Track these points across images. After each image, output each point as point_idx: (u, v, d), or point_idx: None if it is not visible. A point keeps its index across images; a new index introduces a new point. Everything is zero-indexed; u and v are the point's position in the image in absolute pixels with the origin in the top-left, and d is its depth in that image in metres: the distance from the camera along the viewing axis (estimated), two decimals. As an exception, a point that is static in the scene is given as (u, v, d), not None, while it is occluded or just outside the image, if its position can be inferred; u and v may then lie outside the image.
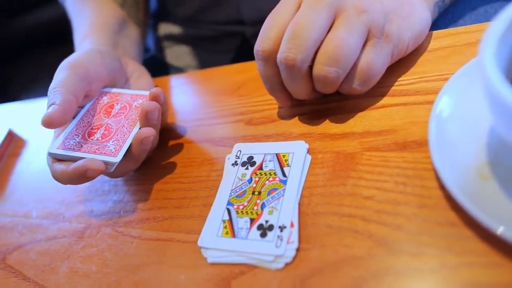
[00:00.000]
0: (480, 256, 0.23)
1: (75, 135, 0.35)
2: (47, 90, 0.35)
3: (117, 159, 0.33)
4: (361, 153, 0.30)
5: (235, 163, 0.34)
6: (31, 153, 0.51)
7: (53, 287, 0.34)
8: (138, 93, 0.39)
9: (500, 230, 0.21)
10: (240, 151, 0.34)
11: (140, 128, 0.34)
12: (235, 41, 0.57)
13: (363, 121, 0.32)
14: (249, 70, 0.42)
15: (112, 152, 0.33)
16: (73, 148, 0.34)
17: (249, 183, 0.32)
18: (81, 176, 0.32)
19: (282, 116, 0.36)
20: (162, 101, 0.36)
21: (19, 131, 0.54)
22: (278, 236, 0.28)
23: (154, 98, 0.36)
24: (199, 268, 0.29)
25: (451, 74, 0.29)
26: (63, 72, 0.35)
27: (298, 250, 0.27)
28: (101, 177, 0.41)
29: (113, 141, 0.34)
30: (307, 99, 0.34)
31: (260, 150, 0.34)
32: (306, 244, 0.27)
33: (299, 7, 0.30)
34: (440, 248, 0.24)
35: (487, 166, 0.24)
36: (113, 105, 0.38)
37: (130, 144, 0.34)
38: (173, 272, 0.30)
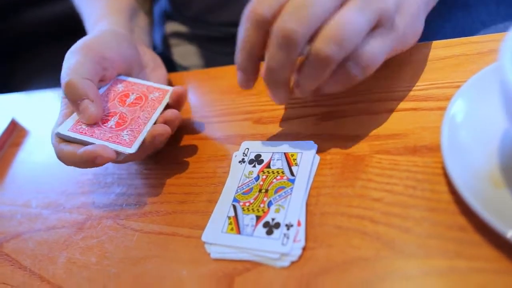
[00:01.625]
0: (490, 261, 0.22)
1: None
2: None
3: (132, 150, 0.32)
4: (371, 155, 0.30)
5: (242, 161, 0.34)
6: (33, 144, 0.50)
7: (50, 277, 0.33)
8: (154, 85, 0.38)
9: (510, 234, 0.21)
10: (247, 148, 0.34)
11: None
12: None
13: (374, 124, 0.32)
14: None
15: (127, 143, 0.33)
16: (85, 133, 0.33)
17: (256, 181, 0.32)
18: (89, 162, 0.31)
19: (291, 116, 0.36)
20: (184, 102, 0.37)
21: (22, 121, 0.54)
22: (285, 234, 0.27)
23: (178, 97, 0.36)
24: (202, 264, 0.29)
25: (463, 82, 0.29)
26: (74, 57, 0.34)
27: (304, 249, 0.27)
28: (104, 170, 0.40)
29: (127, 131, 0.34)
30: (295, 99, 0.33)
31: (268, 149, 0.33)
32: (312, 244, 0.27)
33: None
34: (449, 252, 0.23)
35: (499, 172, 0.24)
36: (128, 94, 0.37)
37: None
38: (175, 267, 0.29)
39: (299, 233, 0.27)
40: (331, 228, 0.27)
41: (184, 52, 0.62)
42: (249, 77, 0.31)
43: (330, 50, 0.25)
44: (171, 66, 0.63)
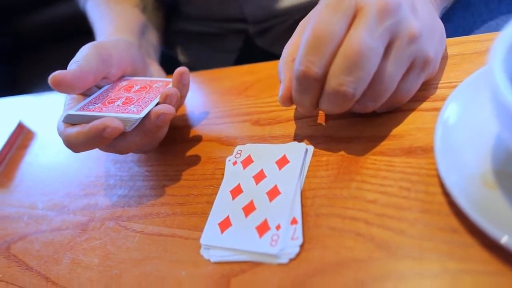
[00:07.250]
0: (481, 263, 0.23)
1: (94, 103, 0.35)
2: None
3: (141, 115, 0.32)
4: (366, 157, 0.30)
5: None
6: (39, 146, 0.51)
7: (55, 278, 0.34)
8: (157, 79, 0.39)
9: (504, 240, 0.21)
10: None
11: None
12: (239, 42, 0.58)
13: (370, 125, 0.32)
14: (258, 72, 0.43)
15: (135, 112, 0.33)
16: (93, 110, 0.33)
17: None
18: (98, 136, 0.31)
19: (289, 118, 0.36)
20: (186, 81, 0.37)
21: (29, 124, 0.55)
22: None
23: (180, 75, 0.36)
24: (200, 265, 0.29)
25: (459, 82, 0.29)
26: (85, 50, 0.36)
27: (300, 249, 0.27)
28: (107, 172, 0.41)
29: (134, 106, 0.34)
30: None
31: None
32: (307, 245, 0.27)
33: (351, 21, 0.26)
34: (441, 254, 0.24)
35: (491, 174, 0.24)
36: (132, 86, 0.38)
37: (144, 118, 0.33)
38: (174, 268, 0.30)
39: (296, 231, 0.28)
40: (326, 230, 0.27)
41: (186, 50, 0.63)
42: (309, 111, 0.31)
43: (369, 106, 0.29)
44: (173, 64, 0.63)
